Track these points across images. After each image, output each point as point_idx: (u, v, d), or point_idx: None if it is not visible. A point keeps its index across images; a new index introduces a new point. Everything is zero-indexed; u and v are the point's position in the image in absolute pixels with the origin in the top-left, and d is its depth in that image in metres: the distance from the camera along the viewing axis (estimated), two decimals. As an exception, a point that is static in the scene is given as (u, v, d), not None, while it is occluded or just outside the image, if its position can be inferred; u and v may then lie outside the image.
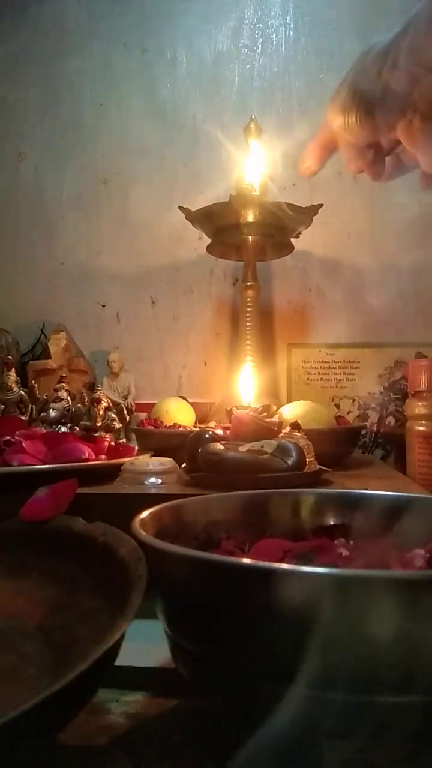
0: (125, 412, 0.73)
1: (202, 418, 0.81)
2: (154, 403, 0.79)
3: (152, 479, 0.48)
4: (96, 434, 0.64)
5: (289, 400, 0.91)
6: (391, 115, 0.34)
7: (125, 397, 0.87)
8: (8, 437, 0.52)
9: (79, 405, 0.70)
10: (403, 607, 0.20)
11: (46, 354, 0.93)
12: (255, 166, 0.79)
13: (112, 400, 0.72)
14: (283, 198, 0.77)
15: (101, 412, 0.68)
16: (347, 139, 0.38)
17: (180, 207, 0.79)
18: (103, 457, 0.55)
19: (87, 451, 0.52)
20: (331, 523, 0.36)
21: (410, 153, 0.38)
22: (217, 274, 1.01)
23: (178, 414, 0.76)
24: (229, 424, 0.54)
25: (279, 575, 0.22)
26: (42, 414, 0.67)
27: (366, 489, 0.42)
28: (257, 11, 1.03)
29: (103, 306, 1.04)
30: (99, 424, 0.67)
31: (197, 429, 0.63)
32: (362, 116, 0.35)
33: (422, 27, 0.30)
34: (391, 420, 0.93)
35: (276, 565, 0.23)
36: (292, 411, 0.68)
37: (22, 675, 0.28)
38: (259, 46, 1.03)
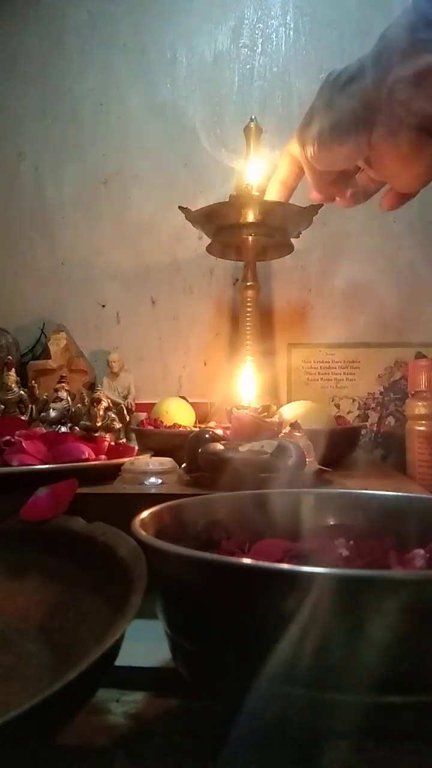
0: (125, 412, 0.73)
1: (202, 418, 0.81)
2: (154, 403, 0.79)
3: (152, 479, 0.48)
4: (96, 434, 0.64)
5: (289, 400, 0.91)
6: (370, 132, 0.33)
7: (125, 397, 0.87)
8: (8, 437, 0.52)
9: (79, 405, 0.69)
10: (403, 607, 0.20)
11: (46, 354, 0.93)
12: (255, 166, 0.79)
13: (112, 400, 0.72)
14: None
15: (101, 412, 0.68)
16: (321, 167, 0.38)
17: (180, 207, 0.79)
18: (103, 457, 0.55)
19: (87, 451, 0.52)
20: (331, 523, 0.36)
21: (374, 176, 0.39)
22: (217, 274, 1.01)
23: (178, 414, 0.76)
24: (229, 424, 0.54)
25: (279, 575, 0.22)
26: (42, 414, 0.67)
27: (366, 489, 0.42)
28: (257, 11, 1.03)
29: (103, 306, 1.04)
30: (99, 424, 0.67)
31: (197, 429, 0.63)
32: (340, 139, 0.35)
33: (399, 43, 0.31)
34: (391, 420, 0.93)
35: (276, 565, 0.23)
36: (292, 411, 0.68)
37: (22, 675, 0.28)
38: (259, 46, 1.03)
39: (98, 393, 0.70)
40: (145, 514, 0.31)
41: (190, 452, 0.49)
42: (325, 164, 0.37)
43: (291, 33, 1.02)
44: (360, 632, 0.20)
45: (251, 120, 0.82)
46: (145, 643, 0.29)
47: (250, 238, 0.79)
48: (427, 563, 0.28)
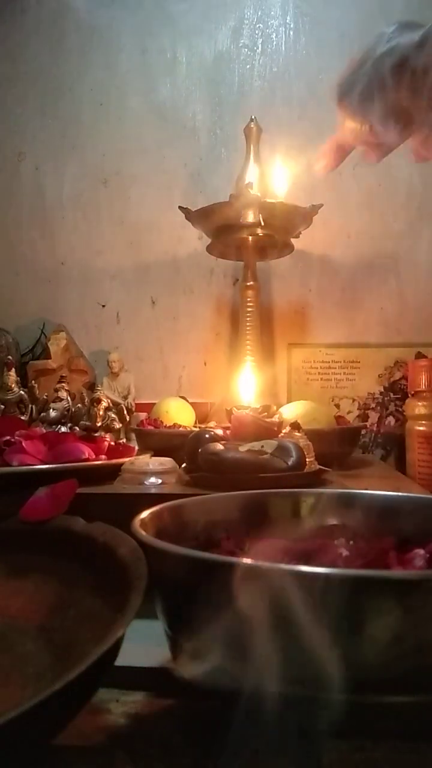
0: (125, 412, 0.73)
1: (202, 418, 0.81)
2: (154, 403, 0.79)
3: (152, 479, 0.48)
4: (96, 434, 0.64)
5: (289, 400, 0.91)
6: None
7: (125, 397, 0.87)
8: (8, 437, 0.52)
9: (79, 405, 0.69)
10: (403, 607, 0.20)
11: (46, 354, 0.93)
12: (255, 165, 0.79)
13: (112, 400, 0.72)
14: (283, 198, 0.77)
15: (101, 412, 0.68)
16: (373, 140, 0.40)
17: (180, 207, 0.79)
18: (103, 457, 0.55)
19: (87, 451, 0.52)
20: (331, 523, 0.36)
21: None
22: (217, 274, 1.01)
23: (178, 414, 0.76)
24: (229, 424, 0.54)
25: (279, 575, 0.22)
26: (42, 414, 0.67)
27: (366, 489, 0.41)
28: (257, 11, 1.03)
29: (103, 306, 1.04)
30: (99, 424, 0.67)
31: (197, 429, 0.63)
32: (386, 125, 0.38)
33: None
34: (391, 420, 0.93)
35: (276, 565, 0.22)
36: (292, 411, 0.68)
37: (22, 675, 0.28)
38: (259, 46, 1.03)
39: (98, 393, 0.70)
40: (145, 514, 0.31)
41: (190, 452, 0.49)
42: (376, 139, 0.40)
43: (291, 33, 1.02)
44: (360, 632, 0.20)
45: (251, 120, 0.82)
46: (145, 643, 0.29)
47: (250, 238, 0.79)
48: (427, 563, 0.28)
